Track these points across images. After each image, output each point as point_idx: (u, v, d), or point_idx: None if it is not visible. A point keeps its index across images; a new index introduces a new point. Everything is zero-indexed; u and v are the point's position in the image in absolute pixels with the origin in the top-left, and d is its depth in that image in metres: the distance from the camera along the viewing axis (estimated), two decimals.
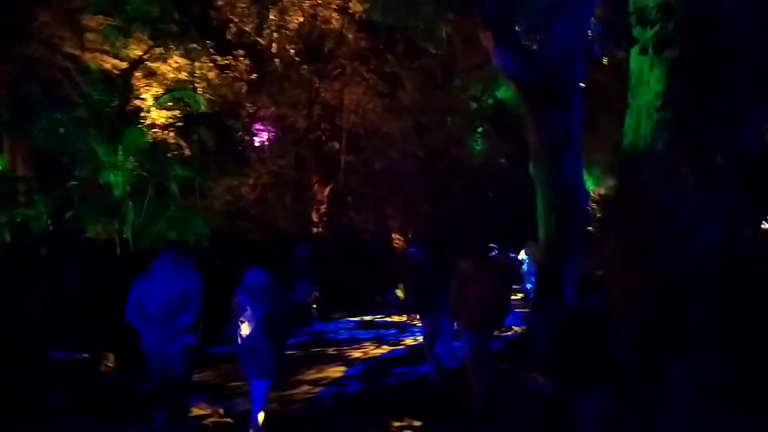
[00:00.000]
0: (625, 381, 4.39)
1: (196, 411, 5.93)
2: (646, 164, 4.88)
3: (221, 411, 6.03)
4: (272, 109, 16.36)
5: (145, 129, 12.25)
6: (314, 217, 16.87)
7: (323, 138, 16.91)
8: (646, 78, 5.01)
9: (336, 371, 8.02)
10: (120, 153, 11.21)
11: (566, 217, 8.21)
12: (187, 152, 13.76)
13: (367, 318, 12.08)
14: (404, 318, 11.73)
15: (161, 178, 12.09)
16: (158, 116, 13.24)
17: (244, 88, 16.11)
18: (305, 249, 11.46)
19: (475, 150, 20.44)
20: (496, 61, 8.44)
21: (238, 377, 6.41)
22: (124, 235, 11.44)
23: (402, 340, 10.15)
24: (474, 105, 19.64)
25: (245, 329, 4.85)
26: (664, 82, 4.86)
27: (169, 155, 12.71)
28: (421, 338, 8.32)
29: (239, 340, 4.97)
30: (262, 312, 4.81)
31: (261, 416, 5.01)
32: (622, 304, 4.98)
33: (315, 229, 16.96)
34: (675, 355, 4.51)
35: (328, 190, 17.64)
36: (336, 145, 17.40)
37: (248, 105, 16.36)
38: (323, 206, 17.05)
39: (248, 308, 4.87)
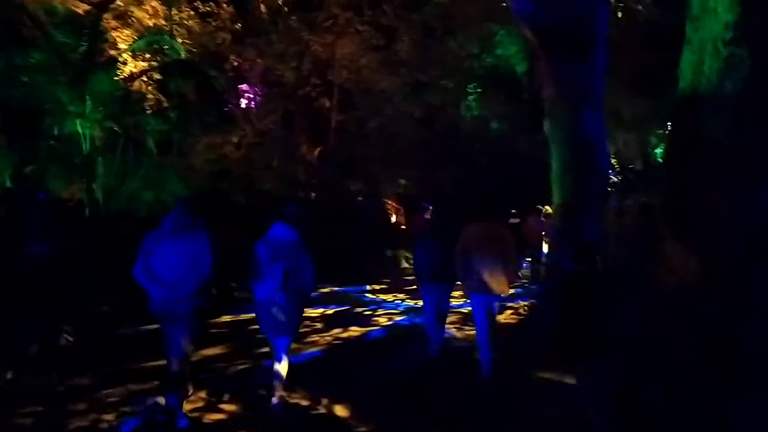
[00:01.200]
0: (631, 354, 4.21)
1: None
2: (710, 109, 3.99)
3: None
4: (258, 61, 15.20)
5: (115, 76, 11.08)
6: (303, 179, 15.87)
7: (313, 95, 15.76)
8: (713, 5, 4.07)
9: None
10: (87, 102, 10.10)
11: (585, 179, 7.36)
12: (165, 105, 12.63)
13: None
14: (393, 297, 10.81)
15: (135, 133, 11.02)
16: (132, 64, 12.08)
17: (228, 39, 14.96)
18: (293, 210, 10.20)
19: (472, 112, 19.48)
20: (511, 3, 7.49)
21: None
22: (95, 195, 10.45)
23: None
24: (474, 63, 18.57)
25: (265, 286, 4.72)
26: (736, 10, 3.93)
27: (143, 107, 11.59)
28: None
29: (258, 298, 4.80)
30: (283, 269, 4.66)
31: (284, 370, 4.89)
32: (674, 279, 4.15)
33: (303, 192, 16.01)
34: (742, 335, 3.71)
35: (318, 150, 16.62)
36: (327, 102, 16.29)
37: (232, 57, 15.20)
38: (313, 167, 16.03)
39: (268, 265, 4.69)
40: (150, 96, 12.33)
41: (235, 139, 15.18)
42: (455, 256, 5.86)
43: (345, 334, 7.85)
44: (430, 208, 8.93)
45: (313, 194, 16.14)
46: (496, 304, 6.02)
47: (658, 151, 23.12)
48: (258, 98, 15.64)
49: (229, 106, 15.86)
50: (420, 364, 6.45)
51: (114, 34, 12.29)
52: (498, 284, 5.68)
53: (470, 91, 18.75)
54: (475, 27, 17.02)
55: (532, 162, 22.33)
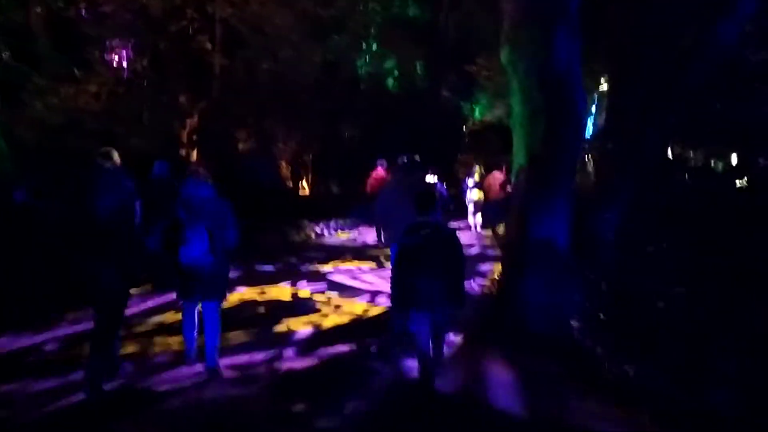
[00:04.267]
0: None
1: None
2: None
3: None
4: None
5: None
6: (182, 135, 13.07)
7: (190, 31, 12.83)
8: None
9: None
10: None
11: (559, 125, 5.66)
12: None
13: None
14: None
15: None
16: None
17: None
18: (162, 169, 7.51)
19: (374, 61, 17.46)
20: None
21: None
22: None
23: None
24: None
25: (190, 250, 4.39)
26: None
27: None
28: None
29: (183, 263, 4.44)
30: (205, 228, 4.38)
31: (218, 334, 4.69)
32: None
33: (183, 151, 13.24)
34: None
35: (200, 103, 13.80)
36: (208, 44, 13.43)
37: None
38: (193, 121, 13.24)
39: (190, 227, 4.39)
40: None
41: (93, 88, 12.07)
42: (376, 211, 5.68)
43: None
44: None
45: (194, 153, 13.46)
46: None
47: None
48: (118, 35, 12.46)
49: (82, 44, 12.55)
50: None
51: None
52: None
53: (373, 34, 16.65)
54: None
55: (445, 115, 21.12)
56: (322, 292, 7.62)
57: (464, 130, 23.45)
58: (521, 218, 5.75)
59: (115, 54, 12.45)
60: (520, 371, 4.69)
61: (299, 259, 10.06)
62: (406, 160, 6.47)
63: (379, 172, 11.08)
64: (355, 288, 7.91)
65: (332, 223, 13.70)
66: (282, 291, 7.71)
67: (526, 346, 4.98)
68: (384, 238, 5.99)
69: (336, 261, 9.83)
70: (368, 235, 12.62)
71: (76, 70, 11.97)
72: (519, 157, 5.89)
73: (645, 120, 7.95)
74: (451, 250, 4.20)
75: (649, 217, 8.36)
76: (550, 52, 5.58)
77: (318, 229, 13.14)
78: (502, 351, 5.08)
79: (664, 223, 8.38)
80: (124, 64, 13.10)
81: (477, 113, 23.93)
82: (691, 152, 17.57)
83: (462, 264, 4.28)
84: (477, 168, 13.65)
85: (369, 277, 8.62)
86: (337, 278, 8.55)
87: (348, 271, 9.06)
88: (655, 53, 8.89)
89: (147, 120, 12.00)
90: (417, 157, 6.86)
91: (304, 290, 7.72)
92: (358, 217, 13.79)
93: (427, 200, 4.29)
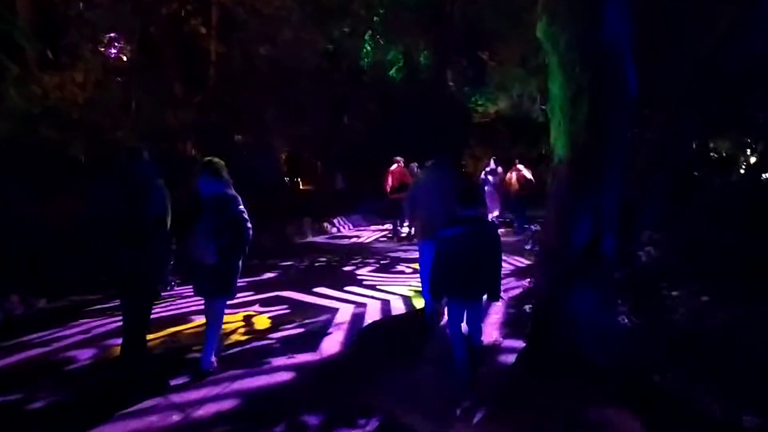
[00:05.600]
0: None
1: None
2: None
3: None
4: None
5: None
6: (174, 126, 12.12)
7: (182, 12, 11.89)
8: None
9: None
10: None
11: (606, 107, 4.74)
12: None
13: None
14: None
15: None
16: None
17: None
18: (142, 162, 6.46)
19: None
20: None
21: None
22: None
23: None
24: None
25: (196, 245, 4.35)
26: None
27: None
28: None
29: (191, 258, 4.41)
30: (212, 224, 4.32)
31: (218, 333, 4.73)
32: None
33: (177, 144, 12.34)
34: None
35: (194, 92, 12.86)
36: (202, 28, 12.50)
37: None
38: (187, 111, 12.28)
39: (196, 220, 4.35)
40: None
41: (80, 78, 11.16)
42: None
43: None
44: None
45: (192, 148, 12.56)
46: None
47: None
48: (104, 17, 11.53)
49: (66, 30, 11.64)
50: None
51: None
52: None
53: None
54: None
55: (452, 106, 20.11)
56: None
57: (472, 121, 22.43)
58: (563, 222, 4.83)
59: (103, 40, 11.51)
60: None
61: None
62: (436, 157, 6.11)
63: (398, 168, 11.27)
64: None
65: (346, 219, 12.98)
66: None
67: (586, 382, 4.03)
68: (415, 232, 6.21)
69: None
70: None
71: (52, 56, 11.08)
72: (558, 148, 4.97)
73: (683, 107, 7.04)
74: (492, 243, 4.25)
75: (695, 216, 7.45)
76: (596, 21, 4.66)
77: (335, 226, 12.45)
78: (561, 390, 4.04)
79: (712, 222, 7.43)
80: (112, 51, 12.19)
81: (483, 104, 22.93)
82: (718, 143, 16.53)
83: (500, 258, 4.34)
84: (492, 161, 12.95)
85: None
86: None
87: None
88: (691, 35, 7.98)
89: (135, 110, 11.04)
90: (445, 153, 6.56)
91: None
92: (370, 212, 13.07)
93: (472, 194, 4.34)
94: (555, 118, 5.01)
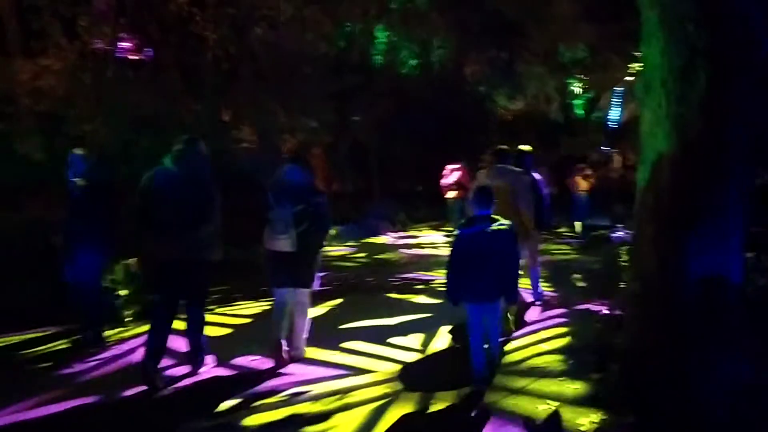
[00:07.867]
0: None
1: None
2: None
3: None
4: None
5: None
6: (165, 116, 10.74)
7: None
8: None
9: None
10: None
11: (729, 81, 3.34)
12: None
13: None
14: None
15: None
16: None
17: None
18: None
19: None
20: None
21: None
22: None
23: None
24: None
25: (274, 233, 4.38)
26: None
27: None
28: None
29: (266, 247, 4.49)
30: (293, 212, 4.35)
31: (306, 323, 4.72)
32: None
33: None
34: None
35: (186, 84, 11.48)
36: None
37: None
38: (181, 102, 10.90)
39: (276, 210, 4.41)
40: None
41: (56, 65, 9.89)
42: None
43: None
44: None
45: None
46: None
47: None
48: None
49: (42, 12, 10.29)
50: None
51: None
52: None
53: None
54: None
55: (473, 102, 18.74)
56: None
57: (495, 118, 21.00)
58: (670, 242, 3.41)
59: (79, 22, 10.17)
60: None
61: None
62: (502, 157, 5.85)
63: (458, 171, 11.50)
64: None
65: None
66: None
67: None
68: None
69: None
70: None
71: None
72: (658, 139, 3.51)
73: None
74: (507, 245, 4.14)
75: None
76: None
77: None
78: None
79: None
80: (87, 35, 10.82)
81: (504, 100, 21.57)
82: None
83: (517, 260, 4.29)
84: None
85: None
86: None
87: None
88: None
89: (108, 101, 9.69)
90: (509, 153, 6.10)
91: None
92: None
93: (488, 194, 4.25)
94: (652, 98, 3.55)
